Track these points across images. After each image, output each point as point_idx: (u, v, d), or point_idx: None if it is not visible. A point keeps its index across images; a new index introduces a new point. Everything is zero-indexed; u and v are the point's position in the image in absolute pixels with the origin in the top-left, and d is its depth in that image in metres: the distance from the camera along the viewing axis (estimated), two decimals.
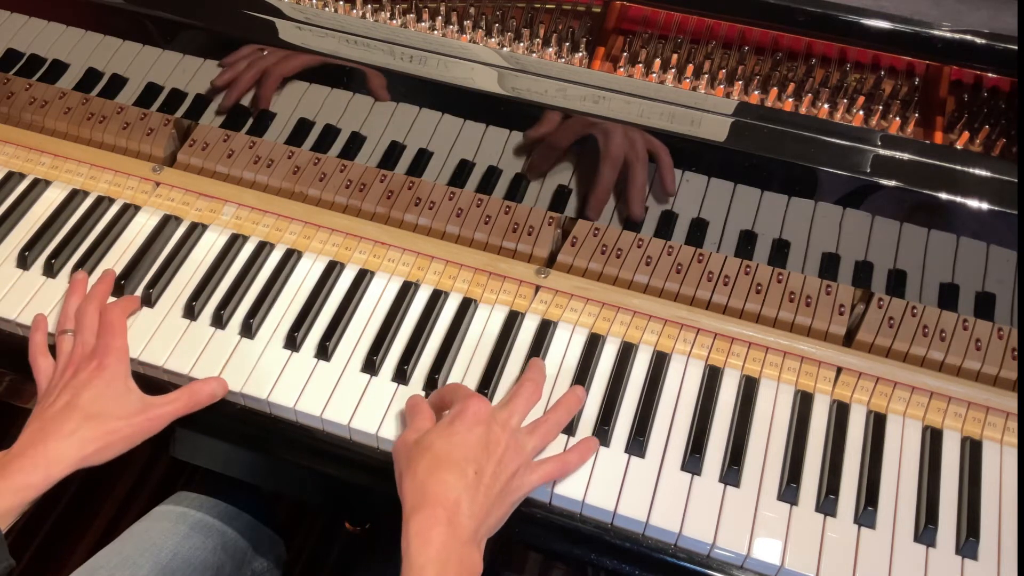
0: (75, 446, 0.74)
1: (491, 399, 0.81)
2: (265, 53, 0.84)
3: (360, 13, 0.91)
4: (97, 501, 1.46)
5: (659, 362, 0.84)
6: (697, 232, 0.82)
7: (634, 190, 0.80)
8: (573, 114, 0.78)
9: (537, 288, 0.88)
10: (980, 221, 0.72)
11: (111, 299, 0.87)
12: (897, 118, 0.82)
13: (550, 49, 0.89)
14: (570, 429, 0.79)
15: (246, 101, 0.88)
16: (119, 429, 0.76)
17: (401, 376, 0.82)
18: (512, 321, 0.86)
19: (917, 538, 0.74)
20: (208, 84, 0.88)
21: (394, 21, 0.91)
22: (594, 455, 0.78)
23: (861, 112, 0.83)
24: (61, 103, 0.97)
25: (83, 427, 0.74)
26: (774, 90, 0.84)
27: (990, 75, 0.84)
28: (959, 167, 0.73)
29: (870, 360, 0.83)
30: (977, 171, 0.73)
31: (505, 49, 0.88)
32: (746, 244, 0.81)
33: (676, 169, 0.78)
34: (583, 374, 0.82)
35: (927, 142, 0.81)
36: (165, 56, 0.88)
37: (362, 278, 0.89)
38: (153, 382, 0.84)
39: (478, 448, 0.69)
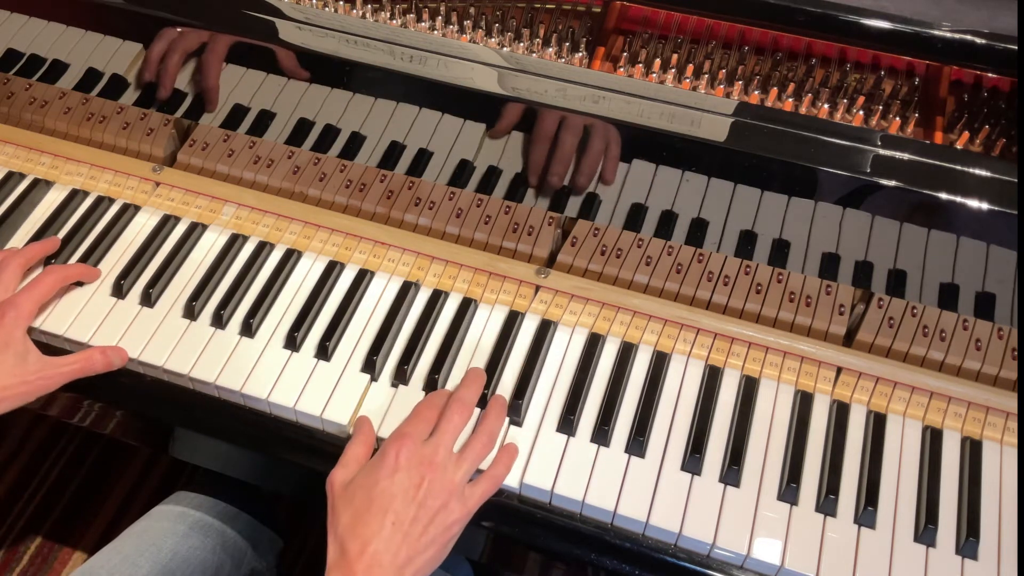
0: None
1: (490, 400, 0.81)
2: (264, 53, 0.84)
3: (360, 13, 0.91)
4: (97, 501, 1.46)
5: (659, 362, 0.84)
6: (697, 232, 0.82)
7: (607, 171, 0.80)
8: (573, 114, 0.78)
9: (537, 288, 0.88)
10: (980, 221, 0.72)
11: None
12: (897, 118, 0.82)
13: (550, 49, 0.89)
14: (571, 430, 0.79)
15: (246, 101, 0.88)
16: (14, 386, 0.78)
17: (401, 376, 0.82)
18: (512, 321, 0.86)
19: (917, 538, 0.74)
20: (208, 84, 0.88)
21: (394, 21, 0.91)
22: (595, 453, 0.78)
23: (861, 112, 0.83)
24: (61, 103, 0.97)
25: None
26: (774, 90, 0.84)
27: (990, 75, 0.84)
28: (959, 167, 0.73)
29: (870, 360, 0.83)
30: (977, 171, 0.73)
31: (505, 49, 0.88)
32: (746, 244, 0.81)
33: (676, 169, 0.78)
34: (583, 374, 0.82)
35: (927, 142, 0.81)
36: (165, 56, 0.88)
37: (362, 278, 0.89)
38: (153, 382, 0.84)
39: (398, 496, 0.70)
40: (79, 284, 0.88)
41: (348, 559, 0.67)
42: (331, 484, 0.73)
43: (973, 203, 0.72)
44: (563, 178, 0.83)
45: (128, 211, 0.95)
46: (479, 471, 0.76)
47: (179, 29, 0.86)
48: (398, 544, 0.68)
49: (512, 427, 0.79)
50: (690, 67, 0.86)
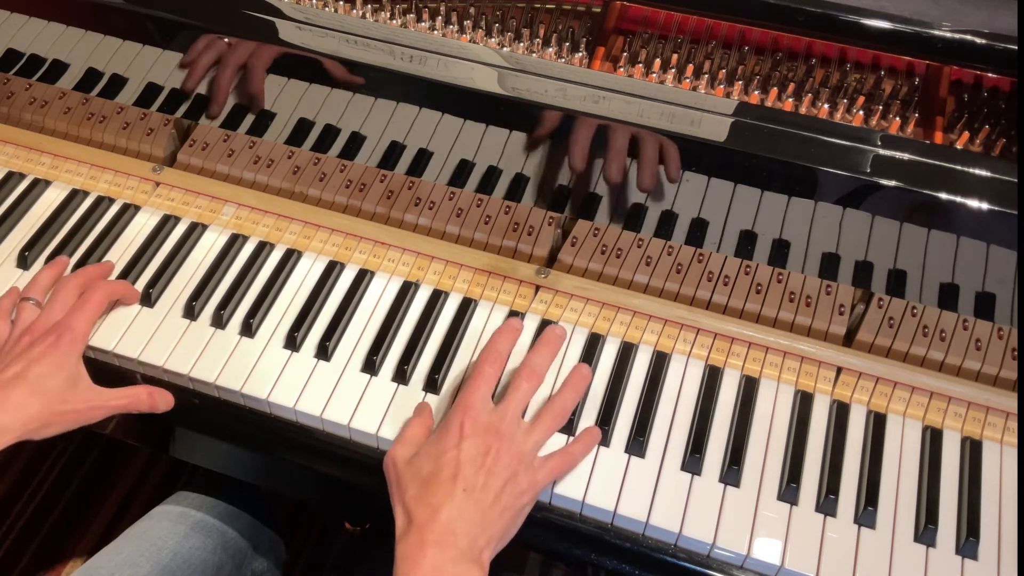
0: (19, 420, 0.73)
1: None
2: (264, 53, 0.84)
3: (360, 13, 0.91)
4: (97, 501, 1.46)
5: (659, 362, 0.84)
6: (697, 232, 0.82)
7: (644, 178, 0.80)
8: (573, 114, 0.78)
9: (537, 288, 0.88)
10: (980, 221, 0.72)
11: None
12: (897, 118, 0.82)
13: (550, 49, 0.89)
14: (570, 429, 0.79)
15: (246, 101, 0.88)
16: (63, 413, 0.76)
17: (401, 376, 0.82)
18: None
19: (917, 538, 0.74)
20: (208, 84, 0.88)
21: (394, 21, 0.91)
22: (594, 453, 0.78)
23: (861, 112, 0.83)
24: (61, 103, 0.97)
25: (29, 403, 0.74)
26: (774, 90, 0.84)
27: (990, 75, 0.84)
28: (959, 167, 0.73)
29: (870, 360, 0.83)
30: (977, 171, 0.73)
31: (505, 49, 0.88)
32: (746, 244, 0.81)
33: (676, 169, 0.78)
34: None
35: (927, 142, 0.81)
36: (165, 56, 0.88)
37: (362, 278, 0.89)
38: (153, 382, 0.84)
39: (466, 463, 0.69)
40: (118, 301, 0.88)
41: (418, 526, 0.66)
42: (393, 460, 0.72)
43: (973, 203, 0.72)
44: (565, 177, 0.83)
45: (128, 211, 0.95)
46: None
47: (182, 30, 0.86)
48: (471, 510, 0.67)
49: None
50: (690, 67, 0.86)
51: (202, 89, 0.89)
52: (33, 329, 0.79)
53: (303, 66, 0.84)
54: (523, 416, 0.75)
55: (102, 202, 0.95)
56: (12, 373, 0.75)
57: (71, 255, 0.91)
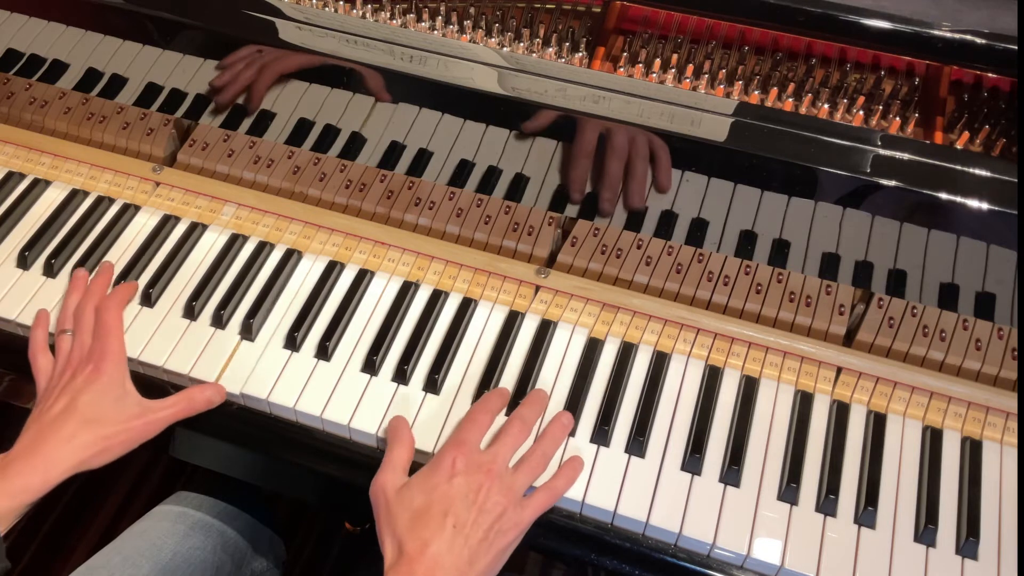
0: (73, 451, 0.74)
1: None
2: (264, 53, 0.84)
3: (360, 13, 0.91)
4: (97, 501, 1.46)
5: (659, 362, 0.84)
6: (697, 232, 0.82)
7: (634, 185, 0.80)
8: (573, 114, 0.78)
9: (537, 288, 0.88)
10: (980, 221, 0.72)
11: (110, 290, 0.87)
12: (897, 118, 0.82)
13: (550, 49, 0.89)
14: (571, 430, 0.79)
15: (246, 101, 0.88)
16: (116, 434, 0.76)
17: (401, 376, 0.82)
18: (512, 321, 0.86)
19: (917, 538, 0.74)
20: (208, 84, 0.88)
21: (394, 21, 0.91)
22: (595, 453, 0.78)
23: (861, 112, 0.83)
24: (61, 103, 0.97)
25: (81, 432, 0.74)
26: (774, 90, 0.84)
27: (990, 75, 0.84)
28: (959, 167, 0.73)
29: (870, 360, 0.83)
30: (977, 171, 0.73)
31: (505, 49, 0.88)
32: (746, 244, 0.81)
33: (676, 169, 0.78)
34: (583, 374, 0.82)
35: (927, 142, 0.81)
36: (165, 56, 0.88)
37: (362, 278, 0.89)
38: (153, 382, 0.84)
39: (457, 499, 0.70)
40: None
41: (408, 558, 0.67)
42: (382, 488, 0.72)
43: (973, 203, 0.72)
44: (564, 177, 0.83)
45: (128, 211, 0.95)
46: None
47: (182, 30, 0.86)
48: (460, 546, 0.68)
49: None
50: (690, 67, 0.86)
51: (202, 89, 0.89)
52: (72, 360, 0.79)
53: (303, 66, 0.84)
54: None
55: (102, 202, 0.95)
56: (61, 406, 0.76)
57: (71, 255, 0.91)
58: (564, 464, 0.77)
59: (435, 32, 0.90)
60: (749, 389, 0.82)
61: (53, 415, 0.75)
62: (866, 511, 0.75)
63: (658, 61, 0.86)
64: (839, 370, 0.83)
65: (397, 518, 0.70)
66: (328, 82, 0.84)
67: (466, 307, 0.87)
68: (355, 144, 0.88)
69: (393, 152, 0.87)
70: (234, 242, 0.92)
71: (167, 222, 0.93)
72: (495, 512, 0.70)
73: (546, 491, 0.75)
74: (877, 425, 0.80)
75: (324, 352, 0.83)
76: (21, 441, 0.75)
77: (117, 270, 0.89)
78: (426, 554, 0.67)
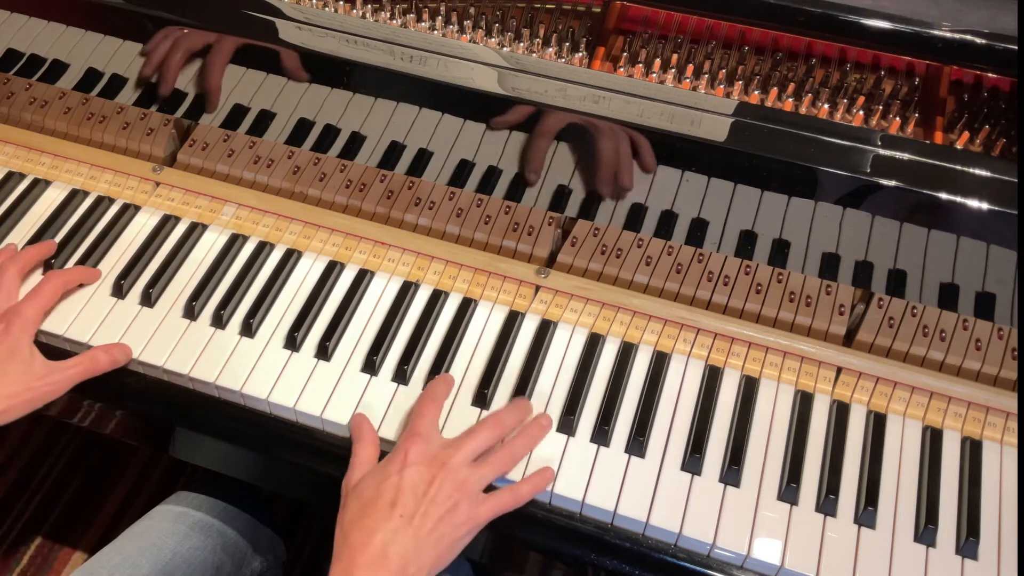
0: None
1: (490, 400, 0.81)
2: (264, 53, 0.84)
3: (360, 13, 0.91)
4: (97, 501, 1.46)
5: (659, 362, 0.84)
6: (697, 232, 0.82)
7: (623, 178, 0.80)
8: (573, 114, 0.78)
9: (537, 288, 0.88)
10: (980, 221, 0.72)
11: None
12: (897, 118, 0.82)
13: (550, 49, 0.89)
14: (570, 430, 0.79)
15: (246, 101, 0.88)
16: (19, 394, 0.77)
17: (401, 376, 0.82)
18: (512, 321, 0.86)
19: (917, 538, 0.74)
20: (208, 84, 0.88)
21: (394, 21, 0.91)
22: (595, 453, 0.78)
23: (861, 112, 0.83)
24: (61, 103, 0.97)
25: None
26: (774, 90, 0.84)
27: (990, 75, 0.84)
28: (959, 167, 0.73)
29: (870, 360, 0.83)
30: (977, 171, 0.73)
31: (505, 49, 0.88)
32: (746, 244, 0.81)
33: (676, 169, 0.78)
34: (583, 374, 0.82)
35: (927, 142, 0.81)
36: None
37: (362, 278, 0.89)
38: (152, 382, 0.84)
39: (407, 490, 0.69)
40: (80, 285, 0.88)
41: (352, 550, 0.67)
42: (345, 486, 0.73)
43: (973, 203, 0.72)
44: (564, 177, 0.83)
45: (128, 211, 0.95)
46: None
47: (181, 28, 0.86)
48: (407, 537, 0.67)
49: None
50: (690, 67, 0.86)
51: (202, 89, 0.89)
52: None
53: (303, 66, 0.84)
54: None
55: (102, 202, 0.95)
56: None
57: (71, 255, 0.91)
58: (535, 473, 0.76)
59: (435, 32, 0.90)
60: (749, 389, 0.82)
61: None
62: (866, 511, 0.75)
63: (658, 61, 0.86)
64: (839, 370, 0.83)
65: (347, 509, 0.70)
66: (328, 82, 0.84)
67: (466, 307, 0.87)
68: (355, 144, 0.88)
69: (393, 152, 0.87)
70: (234, 242, 0.92)
71: (167, 222, 0.93)
72: (446, 505, 0.70)
73: (509, 492, 0.73)
74: (877, 425, 0.80)
75: (324, 352, 0.83)
76: None
77: (117, 270, 0.89)
78: (371, 544, 0.66)
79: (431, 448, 0.72)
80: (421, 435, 0.73)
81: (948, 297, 0.78)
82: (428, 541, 0.68)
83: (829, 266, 0.80)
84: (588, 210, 0.84)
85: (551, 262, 0.89)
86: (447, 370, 0.83)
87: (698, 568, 0.75)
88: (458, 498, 0.70)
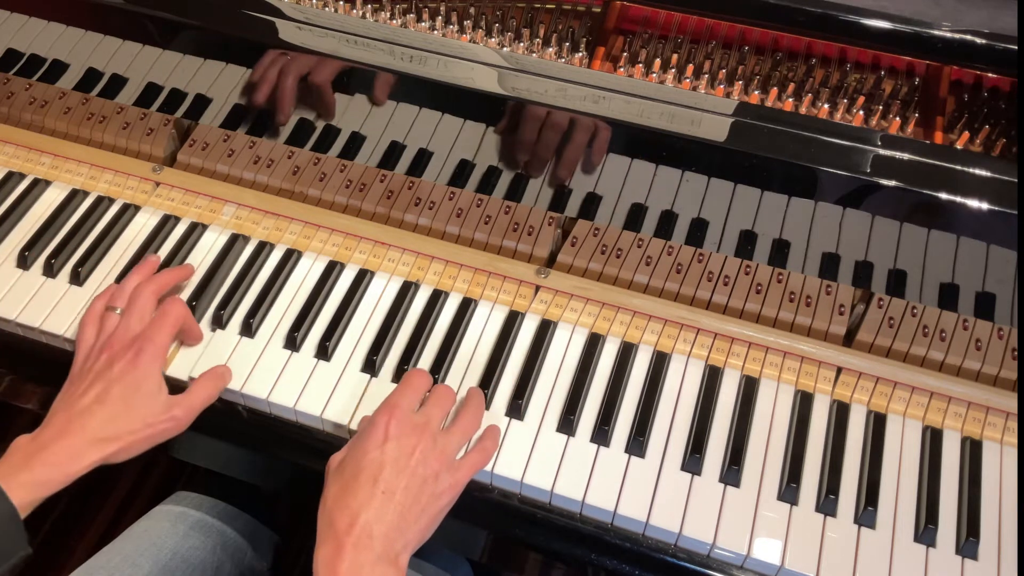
0: (98, 446, 0.72)
1: (490, 400, 0.81)
2: (265, 54, 0.84)
3: (360, 13, 0.91)
4: (97, 501, 1.46)
5: (659, 362, 0.84)
6: (697, 232, 0.82)
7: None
8: (573, 114, 0.78)
9: (537, 288, 0.88)
10: (980, 221, 0.72)
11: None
12: (897, 118, 0.82)
13: (550, 49, 0.89)
14: (571, 430, 0.79)
15: (246, 101, 0.88)
16: (141, 430, 0.74)
17: (401, 376, 0.82)
18: (512, 321, 0.86)
19: (917, 538, 0.74)
20: (208, 84, 0.88)
21: (394, 21, 0.91)
22: (595, 453, 0.78)
23: (861, 112, 0.83)
24: (61, 103, 0.97)
25: (107, 427, 0.72)
26: (774, 90, 0.84)
27: (990, 75, 0.84)
28: (959, 167, 0.73)
29: (870, 360, 0.83)
30: (977, 171, 0.73)
31: (505, 49, 0.88)
32: (746, 244, 0.81)
33: (676, 169, 0.78)
34: (583, 374, 0.82)
35: (927, 142, 0.81)
36: (165, 56, 0.88)
37: (362, 278, 0.89)
38: None
39: (388, 465, 0.69)
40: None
41: (337, 532, 0.65)
42: (328, 465, 0.72)
43: (973, 203, 0.72)
44: (564, 177, 0.83)
45: (128, 211, 0.95)
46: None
47: (182, 30, 0.86)
48: (391, 513, 0.67)
49: (513, 424, 0.79)
50: (690, 67, 0.86)
51: (202, 89, 0.89)
52: (112, 343, 0.77)
53: (303, 67, 0.84)
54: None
55: (102, 202, 0.95)
56: (92, 396, 0.73)
57: (71, 255, 0.91)
58: (486, 428, 0.78)
59: (435, 32, 0.90)
60: (749, 389, 0.82)
61: (83, 405, 0.73)
62: (866, 511, 0.75)
63: (658, 61, 0.86)
64: (839, 370, 0.83)
65: (328, 490, 0.69)
66: (328, 82, 0.84)
67: (466, 307, 0.87)
68: (355, 144, 0.88)
69: (393, 152, 0.87)
70: (234, 242, 0.92)
71: (167, 222, 0.93)
72: (426, 476, 0.69)
73: (479, 451, 0.75)
74: (877, 425, 0.80)
75: (324, 352, 0.83)
76: (49, 427, 0.72)
77: (117, 270, 0.89)
78: (355, 524, 0.65)
79: (410, 419, 0.72)
80: (400, 407, 0.73)
81: (948, 297, 0.78)
82: (411, 515, 0.68)
83: (829, 266, 0.80)
84: (588, 210, 0.84)
85: (551, 262, 0.89)
86: (447, 370, 0.83)
87: (698, 568, 0.75)
88: (437, 467, 0.70)
